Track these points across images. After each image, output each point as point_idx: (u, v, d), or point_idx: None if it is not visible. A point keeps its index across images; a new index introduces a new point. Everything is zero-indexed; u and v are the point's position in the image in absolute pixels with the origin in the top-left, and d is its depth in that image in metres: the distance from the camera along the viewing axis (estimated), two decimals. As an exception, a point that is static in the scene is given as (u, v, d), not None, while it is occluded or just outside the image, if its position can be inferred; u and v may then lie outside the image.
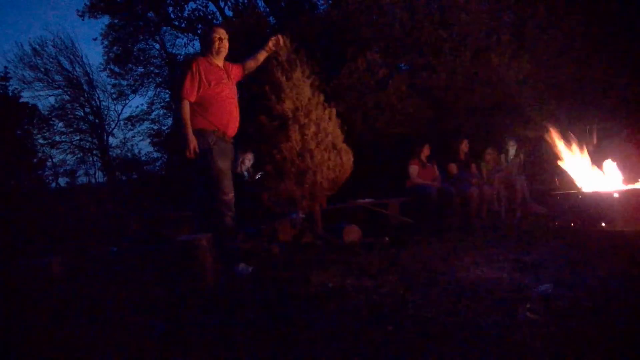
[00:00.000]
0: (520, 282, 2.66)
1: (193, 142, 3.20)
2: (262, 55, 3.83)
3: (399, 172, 6.51)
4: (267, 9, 12.44)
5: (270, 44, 3.82)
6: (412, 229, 5.39)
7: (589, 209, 3.43)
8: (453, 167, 6.53)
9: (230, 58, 3.62)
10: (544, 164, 6.56)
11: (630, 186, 3.57)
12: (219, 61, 3.48)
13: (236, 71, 3.64)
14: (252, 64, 3.76)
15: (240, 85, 3.81)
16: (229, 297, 2.77)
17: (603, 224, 3.29)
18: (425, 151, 6.38)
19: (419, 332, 1.98)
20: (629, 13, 6.75)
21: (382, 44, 8.19)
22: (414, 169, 6.26)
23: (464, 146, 6.67)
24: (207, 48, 3.45)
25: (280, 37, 3.89)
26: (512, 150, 6.71)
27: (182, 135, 3.21)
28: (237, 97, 3.59)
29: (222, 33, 3.47)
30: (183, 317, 2.40)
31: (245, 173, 5.75)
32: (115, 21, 14.77)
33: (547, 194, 5.82)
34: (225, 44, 3.46)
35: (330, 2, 10.84)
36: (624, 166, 3.76)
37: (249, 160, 5.77)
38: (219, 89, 3.35)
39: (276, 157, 4.55)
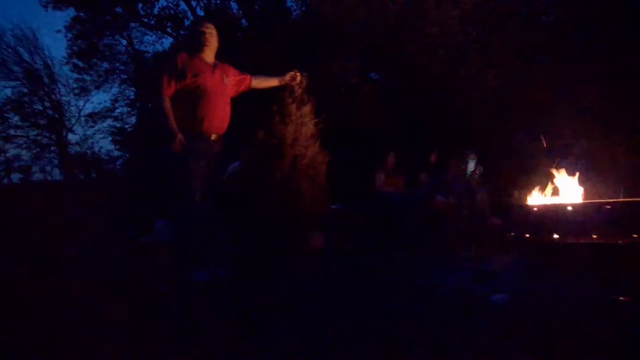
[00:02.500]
0: (477, 291, 2.73)
1: (179, 133, 3.13)
2: (274, 82, 3.93)
3: (367, 180, 6.57)
4: (240, 11, 12.34)
5: (288, 76, 3.96)
6: (377, 237, 5.44)
7: (543, 222, 3.57)
8: (424, 177, 6.64)
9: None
10: (502, 176, 6.75)
11: (582, 200, 3.73)
12: (207, 56, 3.42)
13: (238, 77, 3.61)
14: (261, 83, 3.82)
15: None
16: (180, 303, 2.71)
17: (556, 236, 3.42)
18: (391, 160, 6.47)
19: (377, 337, 2.00)
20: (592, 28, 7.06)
21: (354, 53, 8.28)
22: (379, 177, 6.33)
23: (433, 157, 6.80)
24: (193, 42, 3.42)
25: (297, 73, 4.00)
26: (471, 163, 6.89)
27: (166, 128, 3.16)
28: (230, 96, 3.53)
29: (210, 27, 3.45)
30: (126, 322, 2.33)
31: (230, 179, 5.66)
32: (81, 14, 14.28)
33: (505, 206, 6.00)
34: (210, 37, 3.42)
35: (303, 8, 10.89)
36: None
37: (233, 170, 5.70)
38: (198, 82, 3.29)
39: (264, 172, 4.59)
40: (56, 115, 16.37)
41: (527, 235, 3.69)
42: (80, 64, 15.61)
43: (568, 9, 7.61)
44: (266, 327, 2.19)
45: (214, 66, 3.42)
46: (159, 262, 4.10)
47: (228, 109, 3.47)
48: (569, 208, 3.49)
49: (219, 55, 3.70)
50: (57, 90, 16.23)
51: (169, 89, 3.23)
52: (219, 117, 3.38)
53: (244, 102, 3.77)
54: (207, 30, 3.40)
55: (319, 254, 4.29)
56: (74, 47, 15.16)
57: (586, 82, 6.48)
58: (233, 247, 4.48)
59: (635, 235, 3.12)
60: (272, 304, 2.58)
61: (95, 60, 15.66)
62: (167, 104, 3.22)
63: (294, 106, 4.59)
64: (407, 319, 2.26)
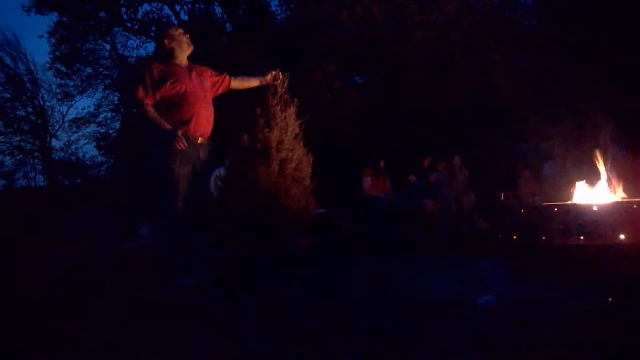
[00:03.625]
0: (464, 293, 2.71)
1: (176, 131, 3.05)
2: (255, 82, 3.84)
3: (352, 183, 6.55)
4: (225, 16, 12.30)
5: (269, 76, 3.87)
6: (364, 241, 5.41)
7: (530, 224, 3.57)
8: (413, 179, 6.64)
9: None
10: (488, 179, 6.80)
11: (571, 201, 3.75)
12: (181, 61, 3.34)
13: (215, 79, 3.55)
14: (241, 83, 3.74)
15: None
16: (164, 308, 2.66)
17: (543, 237, 3.42)
18: (380, 164, 6.48)
19: (364, 341, 1.96)
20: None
21: (339, 57, 8.29)
22: (366, 180, 6.32)
23: (426, 162, 6.81)
24: (166, 48, 3.33)
25: (279, 73, 3.94)
26: (456, 166, 6.93)
27: (162, 131, 3.08)
28: (210, 97, 3.48)
29: (176, 31, 3.37)
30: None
31: (215, 184, 5.57)
32: (64, 19, 14.12)
33: (492, 209, 6.03)
34: (180, 41, 3.34)
35: (288, 12, 10.89)
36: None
37: (218, 175, 5.62)
38: (178, 87, 3.23)
39: (250, 177, 4.53)
40: (39, 121, 16.14)
41: (514, 237, 3.69)
42: (64, 69, 15.43)
43: (550, 12, 7.71)
44: (249, 332, 2.15)
45: (190, 69, 3.36)
46: (143, 267, 4.03)
47: (211, 111, 3.42)
48: (555, 210, 3.50)
49: (203, 59, 3.66)
50: (40, 95, 16.02)
51: (149, 99, 3.17)
52: (203, 120, 3.34)
53: (227, 105, 3.73)
54: (176, 34, 3.33)
55: (304, 258, 4.25)
56: (57, 52, 14.97)
57: (570, 85, 6.57)
58: (217, 252, 4.42)
59: (622, 237, 3.14)
60: (255, 309, 2.54)
61: (78, 65, 15.48)
62: (151, 109, 3.16)
63: (278, 108, 4.55)
64: (392, 321, 2.23)
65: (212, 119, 3.42)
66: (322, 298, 2.75)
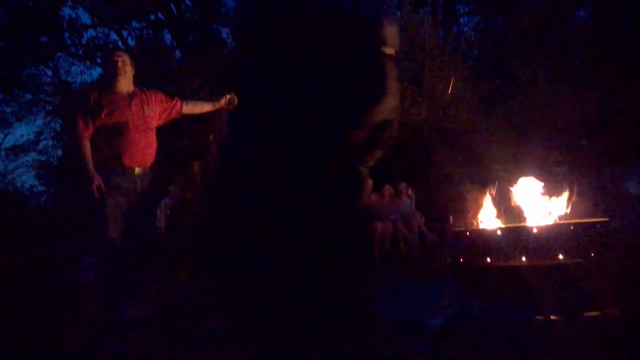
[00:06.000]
0: (413, 316, 2.74)
1: (97, 180, 2.96)
2: (208, 106, 3.68)
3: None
4: (174, 42, 12.21)
5: (223, 101, 3.66)
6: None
7: (476, 246, 3.68)
8: None
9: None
10: (435, 203, 6.99)
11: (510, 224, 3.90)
12: (122, 87, 3.21)
13: (165, 105, 3.42)
14: (194, 108, 3.62)
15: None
16: (105, 343, 2.53)
17: (488, 260, 3.53)
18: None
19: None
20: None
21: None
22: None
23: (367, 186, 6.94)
24: (108, 74, 3.27)
25: (234, 97, 3.85)
26: (403, 190, 7.11)
27: (84, 174, 3.01)
28: (154, 126, 3.37)
29: (121, 55, 3.26)
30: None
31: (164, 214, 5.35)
32: (2, 42, 13.53)
33: (440, 232, 6.19)
34: (126, 67, 3.25)
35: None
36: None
37: (166, 205, 5.43)
38: (114, 118, 3.12)
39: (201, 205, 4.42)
40: (-29, 149, 15.21)
41: (461, 260, 3.79)
42: (0, 94, 14.67)
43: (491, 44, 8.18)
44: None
45: (131, 97, 3.25)
46: (84, 302, 3.83)
47: (152, 140, 3.30)
48: (499, 232, 3.62)
49: (151, 84, 3.55)
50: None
51: (87, 131, 3.06)
52: (140, 150, 3.22)
53: (178, 133, 3.64)
54: (118, 59, 3.21)
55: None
56: (-7, 77, 14.22)
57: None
58: (164, 284, 4.27)
59: (561, 257, 3.28)
60: (199, 342, 2.45)
61: (17, 91, 14.76)
62: (86, 147, 3.05)
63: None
64: (341, 345, 2.20)
65: (152, 149, 3.29)
66: (269, 328, 2.69)
